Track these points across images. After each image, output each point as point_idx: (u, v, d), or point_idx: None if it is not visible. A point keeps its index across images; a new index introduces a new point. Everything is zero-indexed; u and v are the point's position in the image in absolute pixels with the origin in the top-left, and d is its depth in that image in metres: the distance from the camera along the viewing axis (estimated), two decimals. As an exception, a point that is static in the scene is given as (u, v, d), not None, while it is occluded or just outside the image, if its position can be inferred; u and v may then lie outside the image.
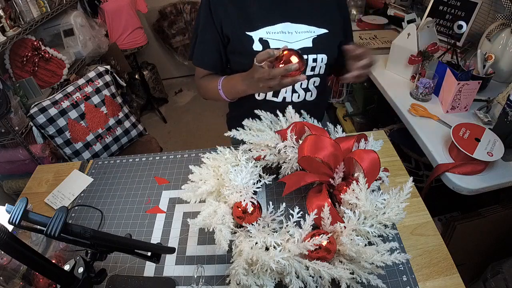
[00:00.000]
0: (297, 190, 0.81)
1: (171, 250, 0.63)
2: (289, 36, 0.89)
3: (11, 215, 0.46)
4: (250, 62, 0.85)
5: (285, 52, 0.75)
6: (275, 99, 0.97)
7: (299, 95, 0.97)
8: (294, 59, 0.74)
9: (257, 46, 0.89)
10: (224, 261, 0.72)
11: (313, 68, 0.93)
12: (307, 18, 0.90)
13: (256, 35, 0.88)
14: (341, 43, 0.94)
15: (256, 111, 0.88)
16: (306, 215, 0.67)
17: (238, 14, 0.89)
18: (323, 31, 0.91)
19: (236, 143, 0.92)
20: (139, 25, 2.58)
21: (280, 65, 0.74)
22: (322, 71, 0.95)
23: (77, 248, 0.74)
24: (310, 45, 0.90)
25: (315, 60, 0.92)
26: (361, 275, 0.60)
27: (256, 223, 0.69)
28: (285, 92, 0.96)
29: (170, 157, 1.00)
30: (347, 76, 0.82)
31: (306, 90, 0.97)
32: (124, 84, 1.78)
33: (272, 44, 0.89)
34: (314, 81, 0.96)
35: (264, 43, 0.88)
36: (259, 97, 0.99)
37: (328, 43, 0.92)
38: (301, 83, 0.95)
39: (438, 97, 1.24)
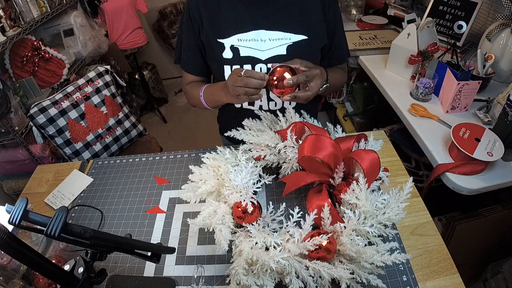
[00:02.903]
0: (297, 190, 0.81)
1: (171, 250, 0.63)
2: (262, 43, 0.87)
3: (11, 215, 0.46)
4: (220, 69, 0.86)
5: (279, 69, 0.76)
6: (251, 107, 0.98)
7: (275, 103, 0.97)
8: (288, 75, 0.76)
9: (227, 54, 0.89)
10: (224, 261, 0.72)
11: None
12: (283, 24, 0.87)
13: (227, 42, 0.88)
14: (324, 47, 0.93)
15: (244, 122, 0.88)
16: (306, 215, 0.67)
17: (212, 21, 0.88)
18: (301, 37, 0.87)
19: (226, 145, 0.92)
20: (139, 25, 2.58)
21: (274, 82, 0.77)
22: None
23: (77, 248, 0.74)
24: (284, 52, 0.88)
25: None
26: (361, 275, 0.60)
27: (256, 223, 0.69)
28: (260, 101, 0.96)
29: (170, 157, 1.00)
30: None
31: None
32: (124, 84, 1.78)
33: (243, 52, 0.88)
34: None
35: (235, 50, 0.88)
36: (237, 104, 0.99)
37: (305, 50, 0.88)
38: None
39: (438, 97, 1.24)
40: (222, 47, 0.89)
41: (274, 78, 0.76)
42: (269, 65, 0.90)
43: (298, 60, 0.79)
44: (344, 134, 0.87)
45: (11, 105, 1.40)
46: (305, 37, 0.88)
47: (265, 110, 0.93)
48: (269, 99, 0.96)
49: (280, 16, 0.87)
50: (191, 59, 0.98)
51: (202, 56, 0.97)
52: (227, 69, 0.90)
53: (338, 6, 0.95)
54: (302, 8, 0.88)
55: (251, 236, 0.65)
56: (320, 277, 0.61)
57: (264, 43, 0.87)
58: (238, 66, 0.88)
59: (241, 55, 0.88)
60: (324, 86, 0.84)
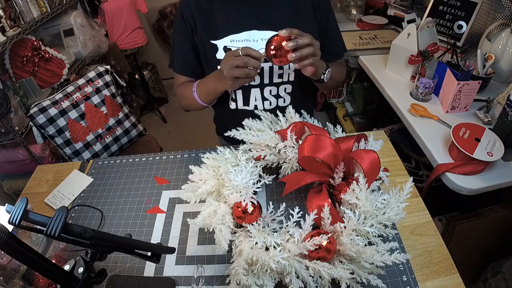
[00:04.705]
0: (297, 190, 0.81)
1: (171, 250, 0.63)
2: (254, 43, 0.88)
3: (11, 215, 0.46)
4: (214, 70, 0.85)
5: (276, 38, 0.74)
6: (246, 107, 0.98)
7: (270, 102, 0.97)
8: (285, 42, 0.73)
9: (220, 55, 0.89)
10: (224, 261, 0.72)
11: (280, 75, 0.94)
12: (275, 24, 0.88)
13: (220, 43, 0.89)
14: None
15: (244, 122, 0.86)
16: (306, 215, 0.67)
17: (205, 23, 0.89)
18: None
19: (224, 145, 0.93)
20: (139, 25, 2.58)
21: (272, 52, 0.75)
22: (292, 78, 0.95)
23: (77, 248, 0.74)
24: None
25: (281, 67, 0.92)
26: (361, 275, 0.60)
27: (256, 223, 0.69)
28: (255, 100, 0.97)
29: (170, 157, 1.00)
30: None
31: (277, 97, 0.97)
32: (124, 84, 1.78)
33: None
34: (285, 88, 0.96)
35: (228, 51, 0.87)
36: (232, 105, 1.00)
37: None
38: (270, 90, 0.95)
39: (438, 97, 1.24)
40: (215, 48, 0.90)
41: (272, 47, 0.75)
42: (263, 64, 0.90)
43: (286, 29, 0.74)
44: (344, 134, 0.87)
45: (11, 105, 1.40)
46: None
47: (260, 110, 0.93)
48: (264, 99, 0.97)
49: (272, 16, 0.89)
50: (184, 61, 0.98)
51: (195, 58, 0.97)
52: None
53: (330, 2, 0.96)
54: (293, 7, 0.89)
55: (251, 236, 0.65)
56: (320, 277, 0.61)
57: (257, 43, 0.88)
58: None
59: None
60: (327, 70, 0.84)
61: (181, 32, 0.94)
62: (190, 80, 1.01)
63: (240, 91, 0.96)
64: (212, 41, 0.89)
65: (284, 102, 0.98)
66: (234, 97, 0.98)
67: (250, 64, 0.75)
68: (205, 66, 0.97)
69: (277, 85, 0.95)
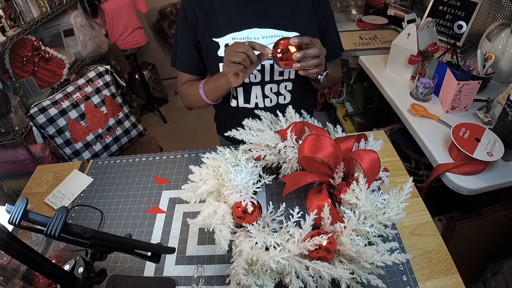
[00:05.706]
0: (297, 190, 0.81)
1: (171, 250, 0.63)
2: (255, 41, 0.89)
3: (11, 215, 0.46)
4: (216, 67, 0.86)
5: (282, 41, 0.75)
6: (247, 105, 0.99)
7: (271, 99, 0.98)
8: (292, 49, 0.75)
9: (222, 52, 0.91)
10: (224, 261, 0.72)
11: (281, 73, 0.94)
12: (275, 22, 0.89)
13: (222, 41, 0.90)
14: None
15: (244, 121, 0.86)
16: (306, 215, 0.67)
17: (206, 21, 0.90)
18: (293, 34, 0.89)
19: (224, 144, 0.93)
20: (139, 25, 2.58)
21: (278, 54, 0.76)
22: (292, 76, 0.95)
23: (77, 248, 0.74)
24: None
25: None
26: (361, 275, 0.60)
27: (256, 223, 0.69)
28: (256, 98, 0.97)
29: (170, 157, 1.00)
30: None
31: (278, 94, 0.98)
32: (124, 84, 1.78)
33: None
34: (286, 85, 0.97)
35: None
36: (233, 103, 1.00)
37: None
38: (271, 88, 0.96)
39: (438, 97, 1.24)
40: (217, 46, 0.91)
41: (279, 50, 0.76)
42: (264, 62, 0.91)
43: (298, 38, 0.77)
44: (344, 134, 0.87)
45: (11, 105, 1.40)
46: (297, 34, 0.89)
47: (260, 108, 0.94)
48: (265, 96, 0.97)
49: (272, 14, 0.90)
50: (187, 59, 0.99)
51: (198, 55, 0.98)
52: (222, 67, 0.91)
53: (329, 2, 0.97)
54: (292, 5, 0.90)
55: (251, 236, 0.65)
56: (320, 277, 0.61)
57: (257, 41, 0.88)
58: None
59: None
60: (325, 72, 0.84)
61: (184, 30, 0.94)
62: (193, 78, 1.02)
63: (241, 88, 0.97)
64: (214, 39, 0.90)
65: (284, 99, 0.99)
66: (235, 94, 0.98)
67: (249, 55, 0.75)
68: (207, 63, 0.98)
69: (278, 82, 0.96)
